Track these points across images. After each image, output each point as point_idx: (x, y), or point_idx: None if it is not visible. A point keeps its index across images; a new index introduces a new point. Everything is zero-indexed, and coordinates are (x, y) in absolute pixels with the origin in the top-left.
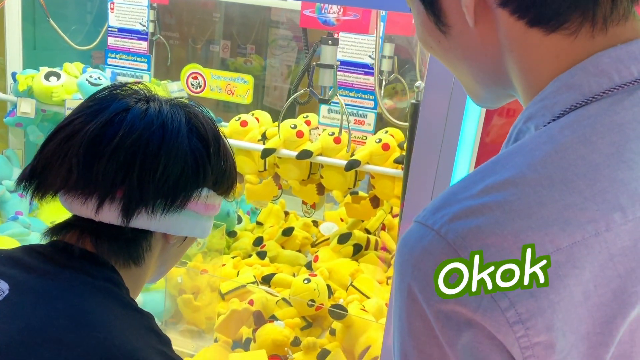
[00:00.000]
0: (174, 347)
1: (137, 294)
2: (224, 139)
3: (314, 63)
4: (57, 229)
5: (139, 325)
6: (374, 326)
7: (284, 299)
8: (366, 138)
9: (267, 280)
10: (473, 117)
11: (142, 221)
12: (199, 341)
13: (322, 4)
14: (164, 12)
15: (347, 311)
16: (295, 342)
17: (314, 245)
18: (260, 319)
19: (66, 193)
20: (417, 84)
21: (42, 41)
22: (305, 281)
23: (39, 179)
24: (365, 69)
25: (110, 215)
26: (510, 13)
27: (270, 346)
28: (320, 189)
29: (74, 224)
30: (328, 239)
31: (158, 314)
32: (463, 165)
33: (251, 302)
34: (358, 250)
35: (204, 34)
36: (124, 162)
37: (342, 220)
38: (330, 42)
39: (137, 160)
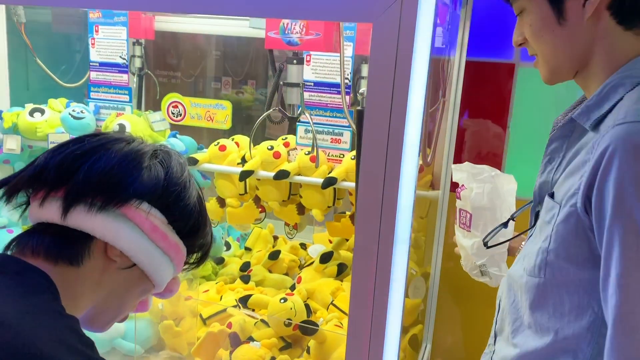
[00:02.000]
0: None
1: (78, 303)
2: (199, 191)
3: (281, 82)
4: (8, 245)
5: (57, 326)
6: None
7: (262, 320)
8: (343, 156)
9: (244, 301)
10: (416, 117)
11: (79, 218)
12: None
13: (285, 25)
14: (152, 47)
15: (317, 326)
16: None
17: (301, 267)
18: (236, 340)
19: (32, 193)
20: (360, 90)
21: (33, 81)
22: (282, 300)
23: (9, 180)
24: (338, 88)
25: (52, 209)
26: (612, 17)
27: None
28: (301, 209)
29: (22, 236)
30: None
31: (143, 341)
32: (409, 164)
33: (229, 325)
34: (342, 270)
35: (195, 68)
36: (73, 163)
37: (330, 242)
38: (295, 61)
39: (88, 162)
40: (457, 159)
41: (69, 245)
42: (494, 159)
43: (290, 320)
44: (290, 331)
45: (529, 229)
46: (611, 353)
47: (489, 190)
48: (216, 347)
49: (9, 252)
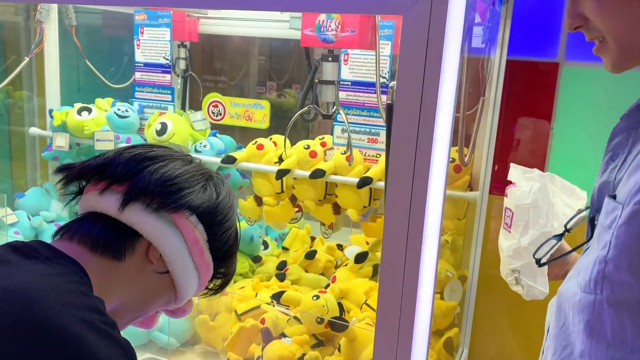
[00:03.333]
0: None
1: (108, 296)
2: (232, 214)
3: (317, 80)
4: (58, 231)
5: (81, 305)
6: None
7: (295, 317)
8: (379, 156)
9: (277, 297)
10: (446, 112)
11: (134, 214)
12: None
13: (320, 23)
14: (197, 49)
15: (347, 322)
16: (302, 359)
17: (337, 268)
18: (268, 336)
19: (89, 180)
20: (390, 84)
21: (83, 82)
22: (315, 298)
23: (74, 167)
24: (374, 87)
25: (111, 200)
26: None
27: None
28: (336, 209)
29: (73, 222)
30: None
31: (178, 335)
32: (439, 159)
33: (262, 321)
34: (377, 271)
35: (239, 71)
36: (140, 163)
37: (367, 243)
38: (330, 58)
39: (153, 165)
40: (498, 160)
41: (117, 239)
42: (537, 161)
43: (322, 317)
44: (322, 329)
45: (585, 242)
46: None
47: (535, 189)
48: (249, 342)
49: (57, 237)
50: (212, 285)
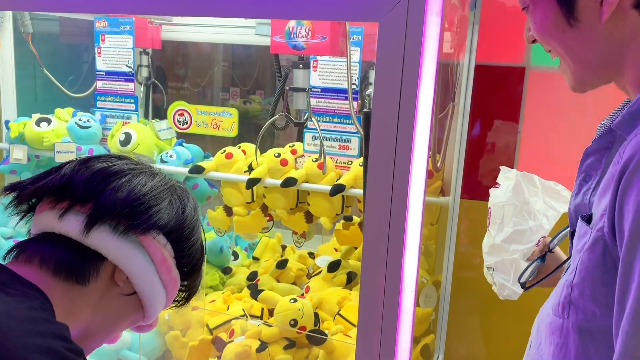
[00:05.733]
0: None
1: (71, 322)
2: (198, 226)
3: (287, 87)
4: (11, 249)
5: (45, 332)
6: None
7: (265, 322)
8: (351, 163)
9: (255, 295)
10: (424, 119)
11: (100, 238)
12: None
13: (290, 29)
14: (159, 56)
15: (326, 336)
16: (261, 348)
17: (309, 276)
18: (220, 343)
19: (42, 198)
20: (367, 92)
21: (41, 92)
22: (292, 301)
23: (26, 186)
24: (345, 94)
25: (74, 223)
26: None
27: None
28: (309, 217)
29: (30, 243)
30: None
31: (149, 352)
32: (418, 165)
33: (232, 333)
34: (352, 279)
35: (203, 78)
36: (102, 181)
37: (336, 250)
38: (301, 65)
39: (116, 183)
40: (468, 165)
41: (81, 263)
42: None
43: (296, 319)
44: (295, 333)
45: (567, 259)
46: None
47: (510, 188)
48: (204, 358)
49: (9, 258)
50: (178, 297)
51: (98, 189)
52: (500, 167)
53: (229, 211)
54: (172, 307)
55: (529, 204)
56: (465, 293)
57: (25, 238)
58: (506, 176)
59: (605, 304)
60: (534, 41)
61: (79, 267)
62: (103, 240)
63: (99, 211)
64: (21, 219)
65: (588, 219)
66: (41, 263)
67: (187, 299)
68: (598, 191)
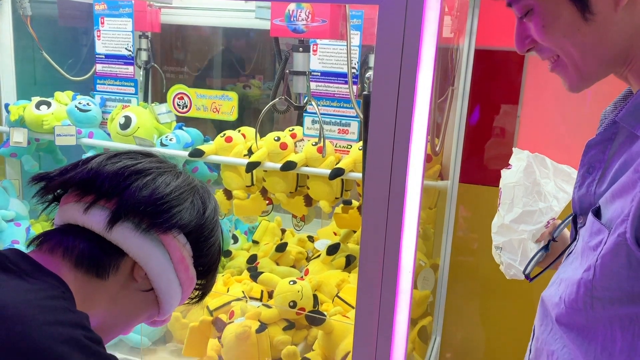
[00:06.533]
0: None
1: (92, 315)
2: (217, 227)
3: (287, 71)
4: (35, 239)
5: (65, 322)
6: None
7: (265, 304)
8: (350, 147)
9: (254, 277)
10: (423, 102)
11: (122, 234)
12: None
13: (290, 12)
14: (159, 40)
15: (325, 316)
16: (261, 329)
17: (309, 260)
18: (220, 324)
19: (68, 190)
20: (367, 75)
21: (40, 75)
22: (291, 282)
23: (54, 177)
24: (345, 78)
25: (98, 217)
26: None
27: (236, 342)
28: (308, 201)
29: (54, 234)
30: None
31: (150, 333)
32: (417, 149)
33: (231, 315)
34: (350, 262)
35: (202, 62)
36: (128, 177)
37: (335, 234)
38: (301, 49)
39: (142, 180)
40: (467, 149)
41: (102, 257)
42: (505, 148)
43: (295, 301)
44: (294, 315)
45: (570, 244)
46: None
47: (521, 168)
48: (204, 339)
49: (32, 246)
50: (192, 295)
51: (123, 186)
52: (513, 148)
53: (228, 194)
54: (186, 304)
55: (540, 186)
56: (463, 277)
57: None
58: (518, 157)
59: (631, 293)
60: (529, 49)
61: (100, 261)
62: (125, 236)
63: (122, 208)
64: (45, 209)
65: (597, 213)
66: (64, 254)
67: (201, 297)
68: (607, 184)
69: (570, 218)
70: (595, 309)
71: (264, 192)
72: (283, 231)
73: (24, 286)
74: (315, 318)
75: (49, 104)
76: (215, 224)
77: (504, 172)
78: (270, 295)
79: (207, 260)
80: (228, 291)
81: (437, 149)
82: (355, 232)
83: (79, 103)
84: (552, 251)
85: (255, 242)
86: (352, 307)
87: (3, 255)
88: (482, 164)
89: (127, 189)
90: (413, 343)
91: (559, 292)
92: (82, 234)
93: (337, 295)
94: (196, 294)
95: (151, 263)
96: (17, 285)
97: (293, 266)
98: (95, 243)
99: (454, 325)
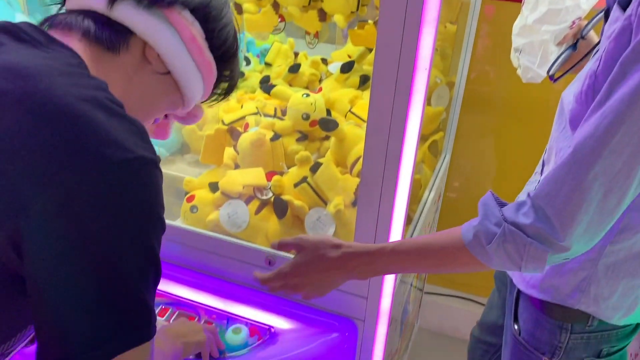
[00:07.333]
0: (182, 175)
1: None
2: (228, 9)
3: None
4: (42, 23)
5: (85, 84)
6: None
7: (279, 117)
8: None
9: (267, 90)
10: None
11: (125, 11)
12: (206, 169)
13: None
14: None
15: (337, 123)
16: (275, 137)
17: (321, 82)
18: (235, 133)
19: None
20: None
21: None
22: (305, 95)
23: None
24: None
25: None
26: None
27: (250, 149)
28: (322, 15)
29: (58, 14)
30: None
31: (167, 144)
32: None
33: (246, 127)
34: (365, 82)
35: None
36: None
37: (349, 57)
38: None
39: None
40: None
41: (108, 31)
42: None
43: (308, 114)
44: (307, 127)
45: (597, 43)
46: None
47: None
48: (220, 147)
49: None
50: (219, 89)
51: None
52: None
53: (239, 9)
54: (214, 99)
55: None
56: (479, 98)
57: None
58: None
59: None
60: None
61: (107, 35)
62: (128, 12)
63: None
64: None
65: (626, 4)
66: (71, 29)
67: (228, 91)
68: None
69: (602, 14)
70: (589, 103)
71: (275, 6)
72: (296, 54)
73: (41, 54)
74: (329, 122)
75: None
76: (225, 5)
77: None
78: (284, 113)
79: (221, 43)
80: (242, 107)
81: None
82: (370, 51)
83: None
84: (578, 51)
85: (268, 64)
86: (364, 121)
87: (16, 27)
88: None
89: None
90: (423, 156)
91: (574, 88)
92: (86, 14)
93: (350, 111)
94: (223, 87)
95: (160, 41)
96: (35, 53)
97: (306, 87)
98: (100, 20)
99: (465, 145)
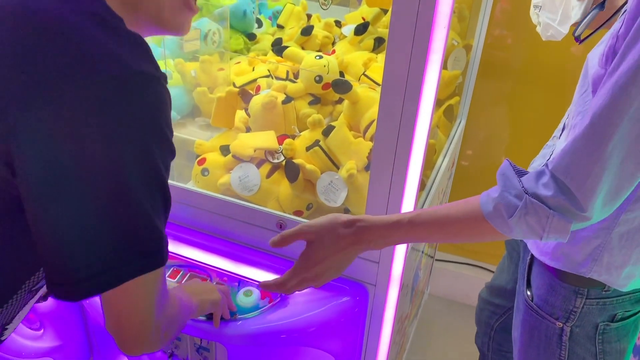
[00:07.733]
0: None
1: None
2: None
3: None
4: None
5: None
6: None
7: (291, 80)
8: None
9: (279, 52)
10: None
11: None
12: (217, 132)
13: None
14: None
15: (350, 84)
16: (287, 100)
17: (335, 45)
18: (246, 95)
19: None
20: None
21: None
22: (317, 57)
23: None
24: None
25: None
26: None
27: (262, 112)
28: None
29: None
30: None
31: (178, 107)
32: None
33: (257, 88)
34: (379, 44)
35: None
36: None
37: (363, 19)
38: None
39: None
40: None
41: None
42: None
43: (321, 75)
44: (320, 89)
45: (623, 4)
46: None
47: None
48: (232, 110)
49: None
50: None
51: None
52: None
53: None
54: None
55: None
56: (496, 59)
57: None
58: None
59: None
60: None
61: None
62: None
63: None
64: None
65: None
66: None
67: None
68: None
69: None
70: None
71: None
72: (309, 16)
73: None
74: (342, 83)
75: None
76: None
77: None
78: (296, 76)
79: None
80: (253, 70)
81: None
82: (385, 12)
83: None
84: (606, 10)
85: (280, 27)
86: (379, 85)
87: None
88: None
89: None
90: (438, 120)
91: (599, 50)
92: None
93: (363, 74)
94: None
95: None
96: None
97: (319, 50)
98: None
99: (481, 111)
